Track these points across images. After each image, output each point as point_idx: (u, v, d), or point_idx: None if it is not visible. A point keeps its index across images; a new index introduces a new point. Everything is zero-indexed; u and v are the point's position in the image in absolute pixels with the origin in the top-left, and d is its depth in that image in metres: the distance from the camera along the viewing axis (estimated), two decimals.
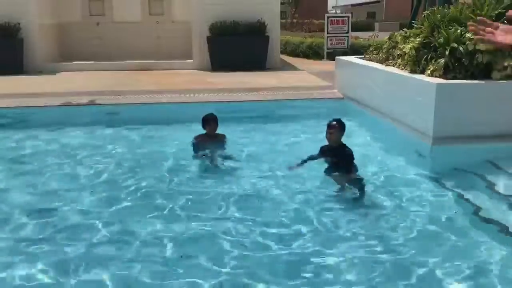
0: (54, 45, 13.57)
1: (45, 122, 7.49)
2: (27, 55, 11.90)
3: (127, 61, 12.89)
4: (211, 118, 5.69)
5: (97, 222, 4.09)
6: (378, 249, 3.66)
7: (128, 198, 4.63)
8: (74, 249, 3.61)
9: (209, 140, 5.77)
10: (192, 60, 12.95)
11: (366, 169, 5.13)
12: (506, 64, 5.44)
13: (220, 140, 5.86)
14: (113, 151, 6.20)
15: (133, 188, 4.87)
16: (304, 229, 3.92)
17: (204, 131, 5.77)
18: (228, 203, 4.44)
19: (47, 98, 8.53)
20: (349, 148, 4.83)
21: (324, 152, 4.99)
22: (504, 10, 5.96)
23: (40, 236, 3.85)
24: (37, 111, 7.97)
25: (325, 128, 4.88)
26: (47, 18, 13.09)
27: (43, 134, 6.94)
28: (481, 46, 5.51)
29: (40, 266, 3.41)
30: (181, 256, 3.53)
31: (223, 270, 3.34)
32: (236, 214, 4.21)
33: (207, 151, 5.71)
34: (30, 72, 11.66)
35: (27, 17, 12.00)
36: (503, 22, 6.07)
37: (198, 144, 5.80)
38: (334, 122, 4.87)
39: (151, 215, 4.23)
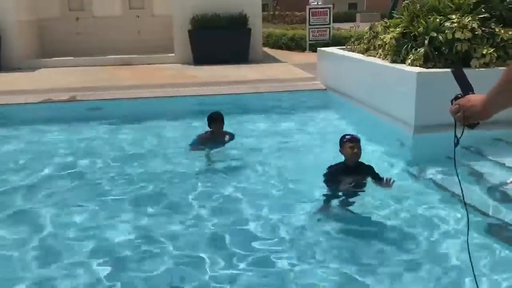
0: (33, 41, 13.34)
1: (25, 120, 7.38)
2: (4, 52, 11.67)
3: (108, 56, 12.74)
4: (217, 117, 5.56)
5: (80, 221, 4.04)
6: (362, 235, 3.72)
7: (115, 195, 4.59)
8: (60, 254, 3.55)
9: (214, 138, 5.64)
10: (173, 54, 12.85)
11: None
12: (484, 52, 5.50)
13: (224, 139, 5.69)
14: (96, 147, 6.14)
15: (120, 184, 4.84)
16: (289, 234, 3.83)
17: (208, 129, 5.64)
18: (215, 205, 4.36)
19: (27, 95, 8.40)
20: (367, 164, 4.28)
21: (341, 173, 4.16)
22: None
23: (23, 236, 3.81)
24: (16, 108, 7.85)
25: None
26: (24, 14, 12.85)
27: (23, 132, 6.85)
28: (460, 35, 5.57)
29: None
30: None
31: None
32: (222, 218, 4.06)
33: (206, 149, 5.60)
34: (8, 69, 11.45)
35: (3, 13, 11.75)
36: (480, 11, 6.09)
37: (201, 141, 5.66)
38: (355, 135, 4.17)
39: (137, 212, 4.20)
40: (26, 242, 3.70)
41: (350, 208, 4.13)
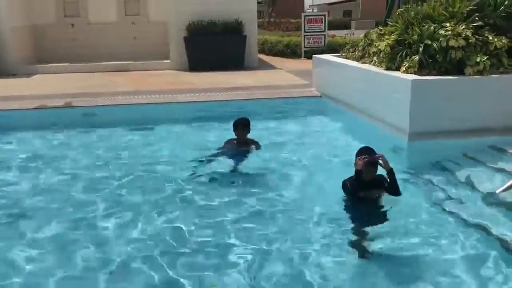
0: (28, 47, 13.33)
1: (20, 126, 7.35)
2: None
3: (104, 63, 12.75)
4: (240, 123, 5.44)
5: (75, 233, 3.98)
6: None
7: (111, 202, 4.54)
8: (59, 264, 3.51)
9: (238, 145, 5.52)
10: (169, 61, 12.87)
11: (344, 166, 5.17)
12: (478, 60, 5.55)
13: (248, 147, 5.57)
14: (92, 153, 6.11)
15: (116, 192, 4.81)
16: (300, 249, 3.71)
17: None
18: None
19: (22, 101, 8.39)
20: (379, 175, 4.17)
21: (358, 187, 4.08)
22: (475, 7, 6.08)
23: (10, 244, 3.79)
24: (11, 114, 7.83)
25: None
26: (19, 21, 12.85)
27: (18, 138, 6.82)
28: (454, 43, 5.62)
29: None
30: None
31: None
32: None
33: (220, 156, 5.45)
34: (3, 75, 11.43)
35: None
36: (474, 20, 6.14)
37: (224, 148, 5.53)
38: (373, 157, 4.02)
39: (138, 223, 4.12)
40: (19, 248, 3.69)
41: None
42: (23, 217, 4.27)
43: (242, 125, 5.46)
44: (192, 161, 5.48)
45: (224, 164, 5.40)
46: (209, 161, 5.46)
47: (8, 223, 4.15)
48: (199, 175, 5.11)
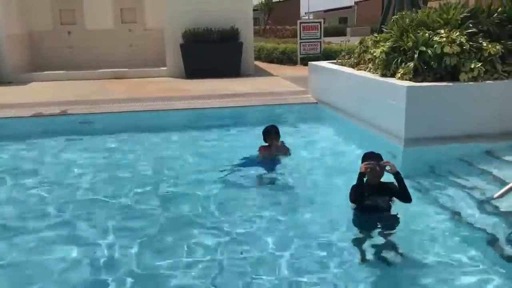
0: (24, 55, 13.33)
1: (16, 134, 7.34)
2: None
3: (100, 70, 12.76)
4: (271, 130, 5.47)
5: (76, 240, 3.98)
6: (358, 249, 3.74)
7: (112, 211, 4.55)
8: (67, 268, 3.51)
9: (269, 152, 5.54)
10: (165, 68, 12.90)
11: (339, 173, 5.19)
12: (472, 66, 5.58)
13: (280, 153, 5.58)
14: (88, 161, 6.10)
15: (116, 199, 4.81)
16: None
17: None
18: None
19: (17, 109, 8.38)
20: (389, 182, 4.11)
21: (362, 192, 4.03)
22: (469, 14, 6.14)
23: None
24: (7, 122, 7.82)
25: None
26: (15, 28, 12.86)
27: (13, 146, 6.81)
28: (449, 49, 5.65)
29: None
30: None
31: None
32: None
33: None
34: None
35: None
36: (468, 26, 6.18)
37: (260, 155, 5.55)
38: (380, 163, 3.99)
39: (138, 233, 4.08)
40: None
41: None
42: (18, 223, 4.26)
43: (274, 132, 5.50)
44: (222, 169, 5.48)
45: (257, 170, 5.40)
46: (240, 168, 5.47)
47: (7, 229, 4.14)
48: (229, 183, 5.13)
